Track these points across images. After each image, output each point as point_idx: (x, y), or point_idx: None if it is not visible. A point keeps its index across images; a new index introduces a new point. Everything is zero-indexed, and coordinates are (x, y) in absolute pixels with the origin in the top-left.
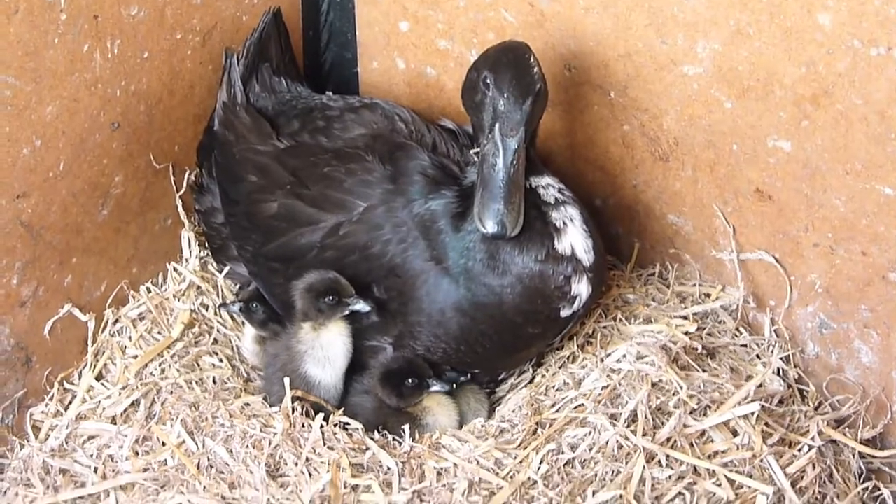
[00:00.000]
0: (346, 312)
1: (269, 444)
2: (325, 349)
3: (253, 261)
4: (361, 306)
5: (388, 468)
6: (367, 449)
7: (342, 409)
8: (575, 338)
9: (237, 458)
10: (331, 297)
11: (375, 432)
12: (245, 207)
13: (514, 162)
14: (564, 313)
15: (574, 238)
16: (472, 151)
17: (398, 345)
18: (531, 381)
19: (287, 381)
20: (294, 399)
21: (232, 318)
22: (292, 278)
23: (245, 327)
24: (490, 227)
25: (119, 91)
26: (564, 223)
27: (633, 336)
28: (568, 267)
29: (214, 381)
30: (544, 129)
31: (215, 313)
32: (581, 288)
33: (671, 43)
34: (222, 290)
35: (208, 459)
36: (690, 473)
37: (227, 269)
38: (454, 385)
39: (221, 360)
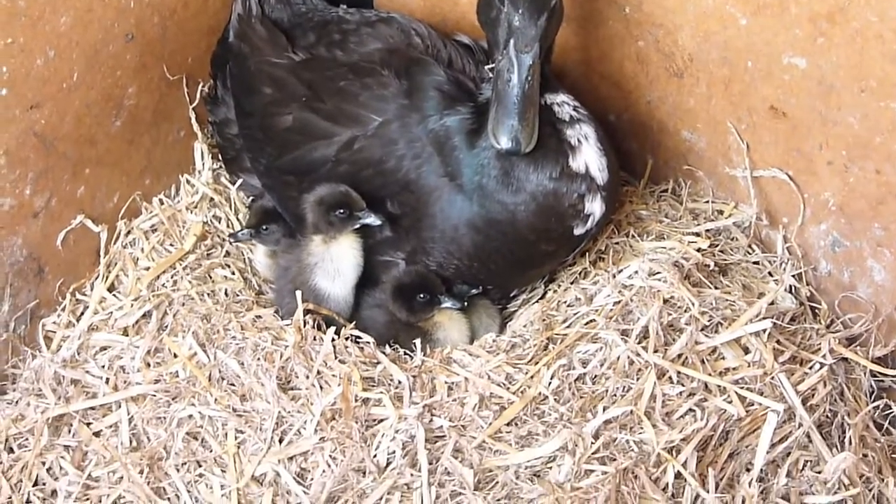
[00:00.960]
0: (357, 226)
1: (281, 356)
2: (336, 262)
3: (266, 173)
4: (372, 220)
5: (399, 382)
6: (379, 363)
7: (353, 322)
8: (587, 254)
9: (248, 370)
10: (341, 210)
11: (387, 346)
12: (259, 120)
13: (529, 78)
14: (578, 231)
15: (588, 156)
16: (486, 67)
17: (411, 260)
18: (543, 297)
19: (298, 293)
20: (305, 312)
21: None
22: (305, 192)
23: (257, 244)
24: (504, 142)
25: (133, 2)
26: (579, 141)
27: (645, 252)
28: (582, 185)
29: (226, 294)
30: (558, 45)
31: (228, 226)
32: (595, 206)
33: None
34: (235, 203)
35: (219, 371)
36: (701, 390)
37: (240, 182)
38: (465, 302)
39: (233, 273)
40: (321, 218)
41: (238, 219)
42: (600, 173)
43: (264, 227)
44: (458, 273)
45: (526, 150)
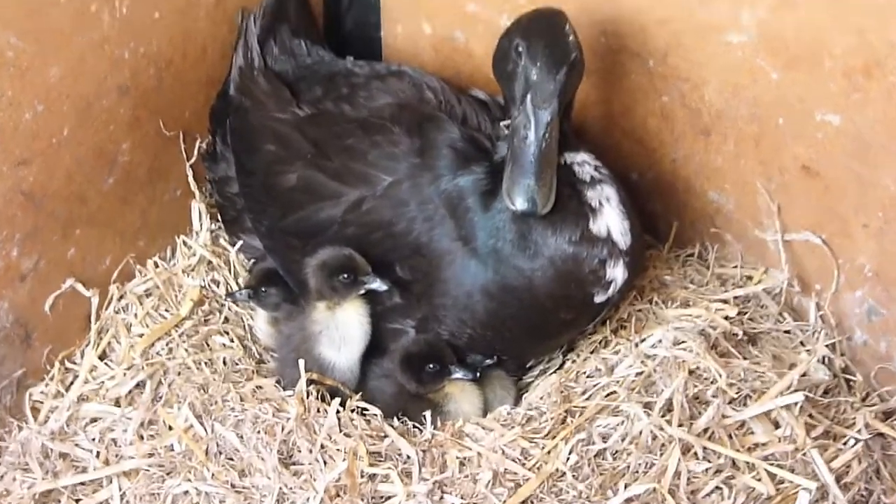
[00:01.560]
0: (362, 291)
1: (283, 429)
2: (341, 330)
3: (268, 235)
4: (378, 285)
5: (408, 457)
6: (386, 436)
7: (360, 393)
8: (608, 322)
9: (248, 444)
10: (346, 276)
11: (395, 419)
12: (262, 179)
13: (547, 135)
14: (598, 299)
15: (610, 219)
16: (502, 124)
17: (422, 328)
18: (561, 367)
19: (301, 362)
20: (309, 382)
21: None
22: (310, 255)
23: (257, 309)
24: (520, 203)
25: (127, 53)
26: (600, 203)
27: (669, 320)
28: (603, 250)
29: (225, 363)
30: (578, 99)
31: (227, 290)
32: (617, 272)
33: (714, 9)
34: (234, 266)
35: (217, 445)
36: (729, 467)
37: (240, 243)
38: (478, 372)
39: (232, 340)
40: (324, 283)
41: (238, 283)
42: (623, 237)
43: (263, 290)
44: (472, 342)
45: (543, 212)
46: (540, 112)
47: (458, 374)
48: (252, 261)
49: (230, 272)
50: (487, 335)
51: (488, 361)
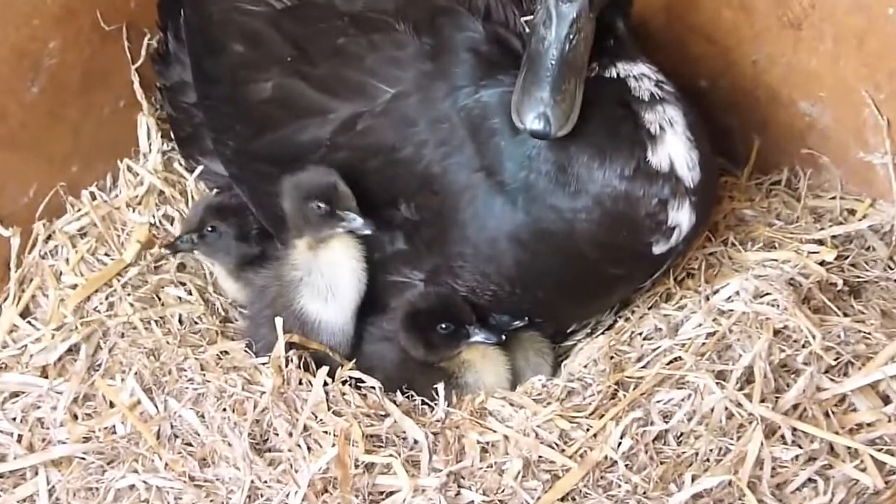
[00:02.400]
0: (339, 231)
1: (255, 406)
2: (328, 276)
3: (235, 160)
4: (359, 225)
5: (415, 441)
6: (387, 415)
7: (353, 360)
8: (671, 270)
9: (211, 425)
10: (320, 204)
11: (398, 393)
12: (227, 88)
13: (572, 36)
14: (658, 249)
15: (674, 148)
16: (523, 19)
17: (432, 282)
18: (611, 327)
19: (279, 321)
20: (289, 346)
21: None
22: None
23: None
24: (528, 121)
25: None
26: (661, 128)
27: (749, 266)
28: (664, 187)
29: (181, 321)
30: None
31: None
32: (681, 216)
33: None
34: (192, 198)
35: (172, 427)
36: (825, 453)
37: (199, 169)
38: (503, 335)
39: (190, 293)
40: (296, 208)
41: None
42: (689, 172)
43: (209, 228)
44: (496, 302)
45: (557, 134)
46: (563, 5)
47: (479, 337)
48: (215, 191)
49: (187, 205)
50: (516, 294)
51: (517, 322)
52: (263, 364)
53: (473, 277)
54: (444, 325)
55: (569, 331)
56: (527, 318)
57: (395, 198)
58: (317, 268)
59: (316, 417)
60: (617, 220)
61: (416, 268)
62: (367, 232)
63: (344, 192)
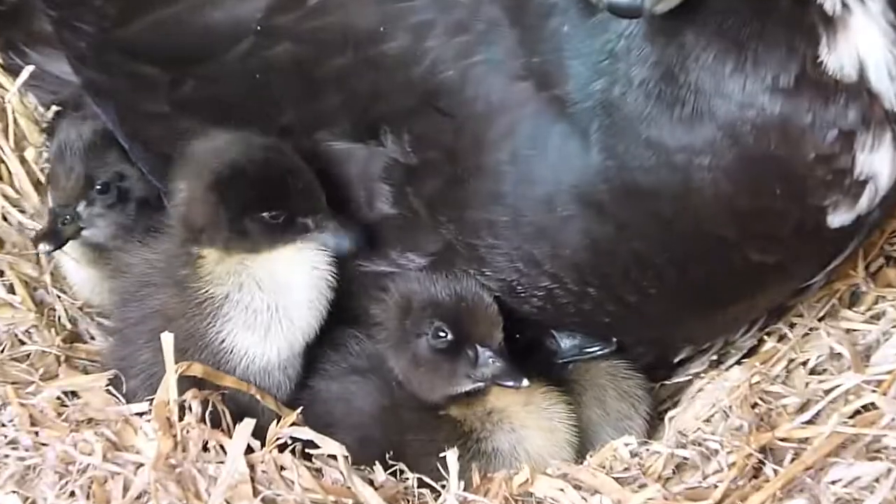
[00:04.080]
0: (301, 242)
1: (126, 491)
2: (269, 291)
3: (94, 56)
4: (338, 242)
5: None
6: None
7: (300, 409)
8: (859, 254)
9: None
10: (271, 213)
11: (378, 465)
12: None
13: None
14: (837, 219)
15: (866, 41)
16: None
17: (441, 269)
18: (751, 353)
19: (167, 339)
20: (187, 383)
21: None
22: (186, 105)
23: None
24: None
25: None
26: (845, 4)
27: None
28: (849, 109)
29: None
30: None
31: (12, 184)
32: (878, 161)
33: None
34: (14, 122)
35: None
36: None
37: (29, 71)
38: (566, 360)
39: (13, 291)
40: (226, 217)
41: (27, 161)
42: (893, 84)
43: (103, 183)
44: (551, 304)
45: (657, 10)
46: None
47: (487, 369)
48: (55, 109)
49: (8, 136)
50: (588, 295)
51: (596, 349)
52: (141, 415)
53: (512, 266)
54: (447, 339)
55: (677, 359)
56: (614, 341)
57: (375, 124)
58: (251, 280)
59: None
60: (765, 167)
61: (411, 247)
62: (349, 247)
63: (307, 184)
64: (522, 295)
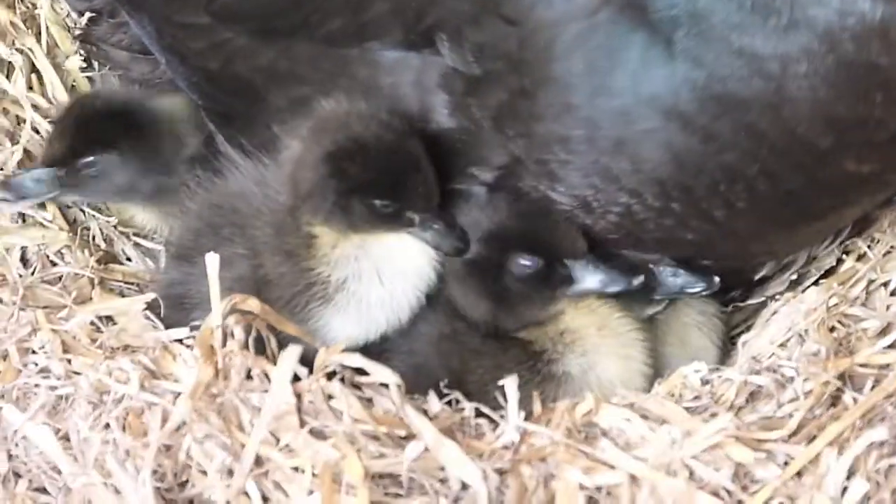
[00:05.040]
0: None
1: (165, 421)
2: (375, 283)
3: None
4: (441, 242)
5: (464, 487)
6: (412, 437)
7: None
8: None
9: (83, 454)
10: (385, 201)
11: (433, 393)
12: None
13: None
14: None
15: None
16: None
17: (506, 189)
18: (831, 272)
19: (213, 260)
20: (230, 312)
21: None
22: (225, 14)
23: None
24: None
25: None
26: None
27: None
28: None
29: (24, 261)
30: None
31: (31, 87)
32: None
33: None
34: (48, 33)
35: (10, 457)
36: None
37: None
38: (642, 282)
39: (44, 208)
40: (328, 187)
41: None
42: None
43: (88, 160)
44: (630, 223)
45: None
46: None
47: (591, 283)
48: (88, 16)
49: (41, 43)
50: (672, 211)
51: (700, 286)
52: (181, 341)
53: (587, 181)
54: (525, 260)
55: (756, 277)
56: (717, 281)
57: (430, 30)
58: (365, 266)
59: (278, 441)
60: (865, 75)
61: (475, 160)
62: (445, 251)
63: (427, 184)
64: (598, 211)
